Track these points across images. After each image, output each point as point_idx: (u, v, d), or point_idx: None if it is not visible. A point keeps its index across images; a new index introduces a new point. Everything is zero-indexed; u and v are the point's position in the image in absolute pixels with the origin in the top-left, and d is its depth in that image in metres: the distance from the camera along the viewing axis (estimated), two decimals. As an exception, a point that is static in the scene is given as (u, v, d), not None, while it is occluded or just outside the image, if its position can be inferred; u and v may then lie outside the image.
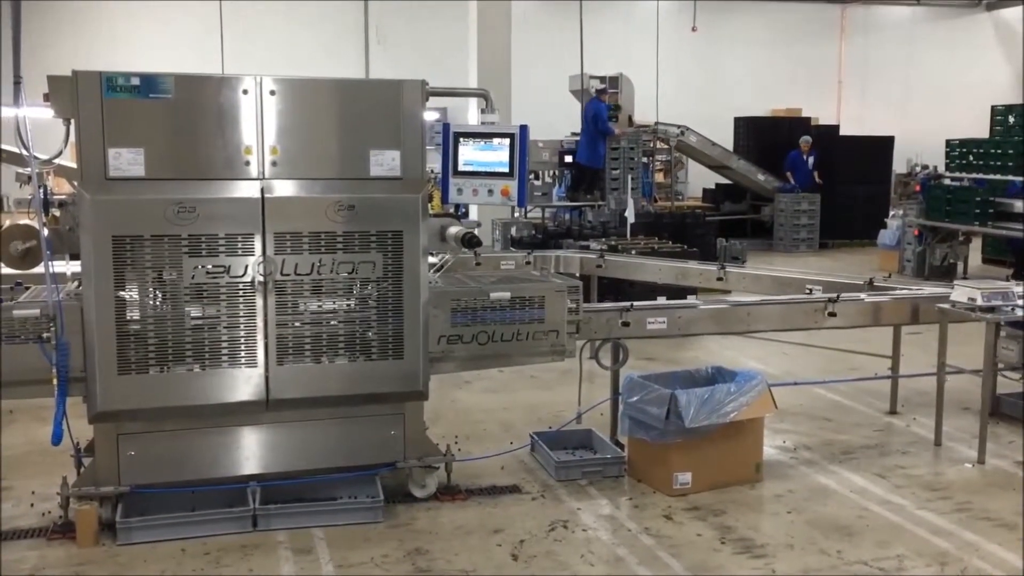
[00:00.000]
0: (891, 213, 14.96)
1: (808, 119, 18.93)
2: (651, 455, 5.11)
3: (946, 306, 5.83)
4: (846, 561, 4.28)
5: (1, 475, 5.02)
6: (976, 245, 13.66)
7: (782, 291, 6.68)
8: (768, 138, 17.52)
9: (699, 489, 5.00)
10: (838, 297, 5.85)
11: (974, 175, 12.75)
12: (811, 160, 16.80)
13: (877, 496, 5.06)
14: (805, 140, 16.91)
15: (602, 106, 14.39)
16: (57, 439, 4.27)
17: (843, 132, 18.41)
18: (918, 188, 14.05)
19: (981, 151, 12.87)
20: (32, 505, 4.79)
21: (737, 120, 18.51)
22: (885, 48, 22.99)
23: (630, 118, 15.47)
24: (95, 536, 4.35)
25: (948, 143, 13.54)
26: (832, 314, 5.79)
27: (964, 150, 13.21)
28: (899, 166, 17.94)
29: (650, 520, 4.71)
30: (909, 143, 18.03)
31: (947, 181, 13.30)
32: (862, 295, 6.15)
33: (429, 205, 4.75)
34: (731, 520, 4.71)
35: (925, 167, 15.95)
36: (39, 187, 4.30)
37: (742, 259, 13.00)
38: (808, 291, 6.25)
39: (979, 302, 5.66)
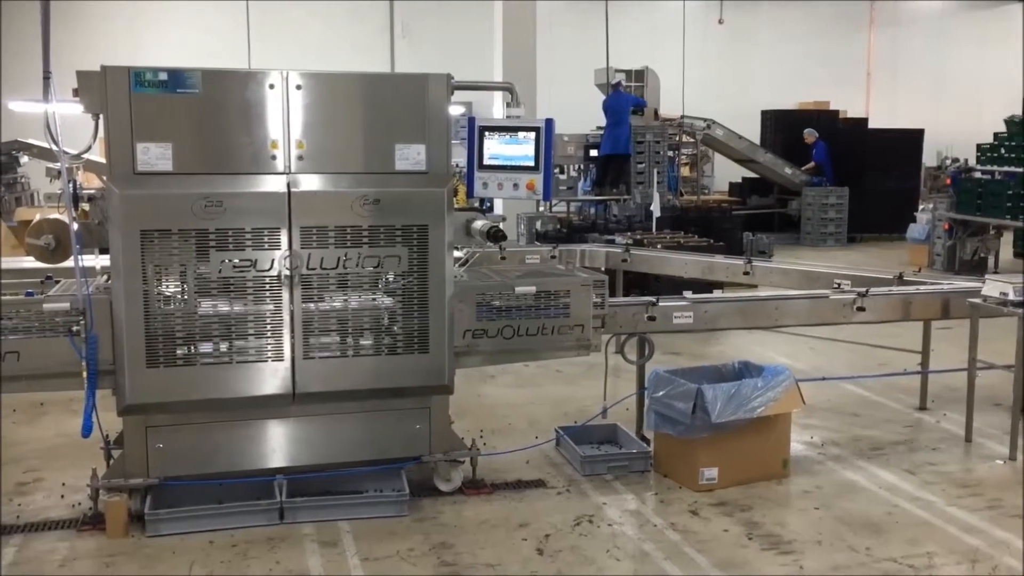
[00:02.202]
0: (921, 207, 14.81)
1: (836, 112, 18.78)
2: (677, 450, 5.08)
3: (977, 301, 5.76)
4: (875, 558, 4.24)
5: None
6: (1008, 239, 13.49)
7: (810, 286, 6.62)
8: (795, 132, 17.37)
9: (725, 485, 4.97)
10: (867, 292, 5.80)
11: (1005, 168, 12.58)
12: (815, 151, 16.68)
13: (906, 492, 5.01)
14: (808, 132, 16.78)
15: (626, 95, 14.39)
16: (87, 431, 4.32)
17: (872, 125, 18.23)
18: (948, 181, 13.90)
19: (1013, 144, 12.69)
20: (63, 497, 4.84)
21: (764, 113, 18.39)
22: (915, 40, 22.78)
23: (656, 112, 15.41)
24: (124, 528, 4.39)
25: (979, 147, 13.36)
26: (861, 309, 5.73)
27: (996, 143, 13.03)
28: (929, 159, 17.77)
29: (676, 515, 4.69)
30: (939, 136, 17.85)
31: (978, 174, 13.13)
32: (892, 290, 6.08)
33: (454, 199, 4.75)
34: (758, 516, 4.68)
35: (956, 160, 15.79)
36: (69, 182, 4.34)
37: (769, 253, 12.93)
38: (836, 285, 6.19)
39: (1011, 297, 5.58)
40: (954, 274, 11.80)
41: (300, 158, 4.45)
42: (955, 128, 18.76)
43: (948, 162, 16.45)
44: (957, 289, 6.11)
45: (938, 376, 6.56)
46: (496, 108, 14.02)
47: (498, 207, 13.02)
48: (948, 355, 6.63)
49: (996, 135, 13.11)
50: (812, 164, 16.64)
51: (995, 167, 12.81)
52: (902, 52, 22.82)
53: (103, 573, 4.06)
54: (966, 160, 14.99)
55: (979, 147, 13.43)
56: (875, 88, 22.87)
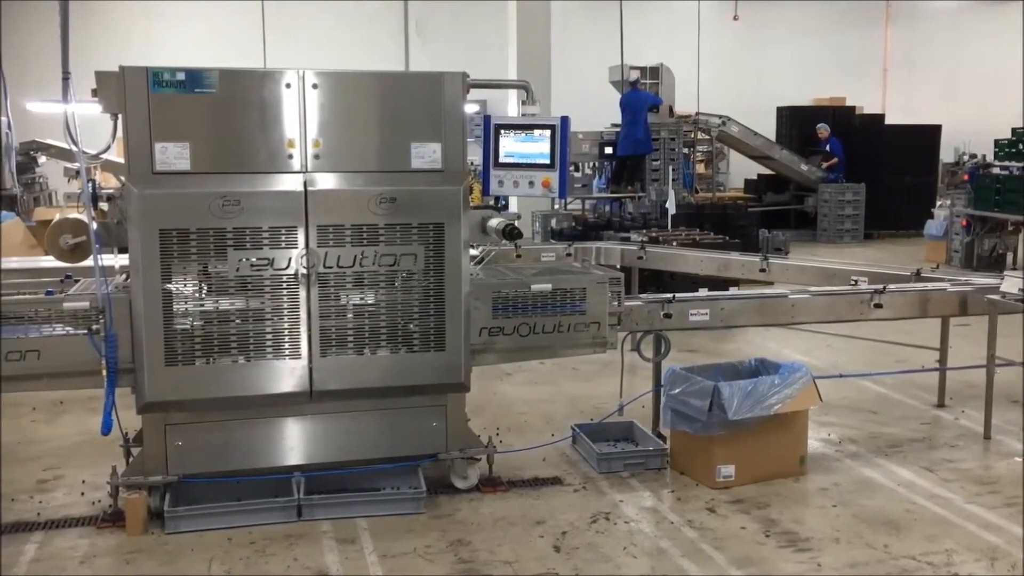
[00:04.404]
0: (938, 203, 14.71)
1: (852, 108, 18.67)
2: (694, 447, 5.07)
3: (996, 297, 5.73)
4: (893, 555, 4.22)
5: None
6: (1026, 235, 13.40)
7: (827, 282, 6.60)
8: (811, 128, 17.28)
9: (742, 482, 4.96)
10: (884, 288, 5.77)
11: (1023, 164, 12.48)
12: (827, 147, 16.60)
13: (925, 490, 4.99)
14: (821, 127, 16.71)
15: (644, 92, 14.37)
16: (107, 429, 4.36)
17: (889, 121, 18.12)
18: (966, 177, 13.80)
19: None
20: (83, 494, 4.88)
21: (780, 110, 18.30)
22: (931, 36, 22.62)
23: (671, 108, 15.37)
24: (144, 525, 4.42)
25: (997, 143, 13.25)
26: (878, 305, 5.71)
27: (1014, 138, 12.93)
28: (946, 155, 17.65)
29: (693, 513, 4.69)
30: (957, 132, 17.72)
31: (996, 170, 13.04)
32: (909, 286, 6.05)
33: (469, 197, 4.75)
34: (775, 513, 4.67)
35: (973, 156, 15.66)
36: (88, 181, 4.37)
37: (785, 250, 12.87)
38: (853, 282, 6.16)
39: (1030, 293, 5.55)
40: (972, 271, 11.72)
41: (316, 157, 4.47)
42: (972, 124, 18.59)
43: (966, 158, 16.27)
44: (975, 286, 6.08)
45: (956, 373, 6.51)
46: (511, 106, 14.01)
47: (513, 205, 13.03)
48: (966, 352, 6.59)
49: (1014, 130, 13.01)
50: (835, 159, 16.54)
51: (1013, 163, 12.71)
52: (919, 47, 22.66)
53: (123, 569, 4.09)
54: (984, 156, 14.87)
55: (997, 143, 13.33)
56: (891, 84, 22.73)
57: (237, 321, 4.43)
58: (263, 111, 4.40)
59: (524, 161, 4.91)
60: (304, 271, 4.45)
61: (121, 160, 4.52)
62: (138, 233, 4.27)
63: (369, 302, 4.58)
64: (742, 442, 4.95)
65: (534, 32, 13.81)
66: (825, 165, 16.58)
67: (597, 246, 8.40)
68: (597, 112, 15.64)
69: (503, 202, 13.19)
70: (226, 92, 4.35)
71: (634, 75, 14.43)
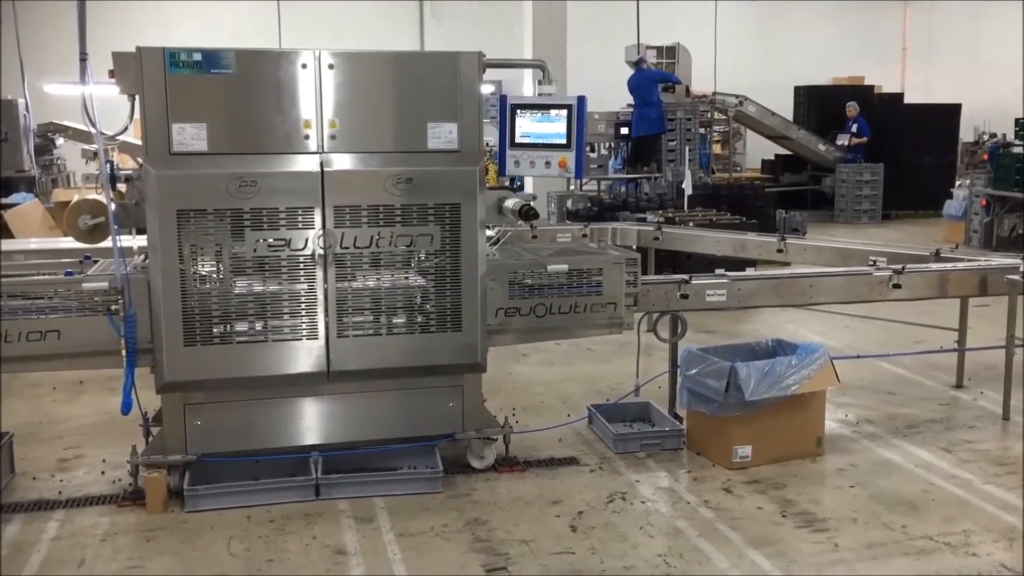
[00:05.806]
0: (957, 183, 14.59)
1: (871, 87, 18.48)
2: (710, 428, 5.07)
3: (1015, 277, 5.68)
4: (911, 536, 4.22)
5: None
6: (1047, 215, 13.26)
7: (844, 263, 6.56)
8: (829, 107, 17.14)
9: (759, 462, 4.96)
10: (903, 269, 5.73)
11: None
12: (855, 126, 16.48)
13: (942, 471, 4.97)
14: (850, 106, 16.56)
15: (650, 71, 14.24)
16: (126, 409, 4.39)
17: (908, 100, 17.94)
18: (986, 157, 13.67)
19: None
20: (103, 473, 4.93)
21: (797, 89, 18.14)
22: (951, 14, 22.31)
23: (687, 88, 15.26)
24: (164, 503, 4.46)
25: (1017, 122, 13.12)
26: (897, 286, 5.68)
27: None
28: (966, 134, 17.48)
29: (709, 493, 4.69)
30: (976, 111, 17.54)
31: (1017, 149, 12.90)
32: (928, 267, 6.01)
33: (485, 177, 4.74)
34: (792, 494, 4.67)
35: (993, 135, 15.51)
36: (106, 163, 4.39)
37: (802, 231, 12.79)
38: (872, 263, 6.12)
39: (1051, 273, 5.50)
40: (991, 251, 11.62)
41: (333, 137, 4.47)
42: (993, 103, 18.39)
43: (985, 137, 16.11)
44: (995, 266, 6.03)
45: (975, 354, 6.48)
46: (526, 86, 13.95)
47: (528, 186, 13.01)
48: (985, 333, 6.55)
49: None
50: (864, 139, 16.42)
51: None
52: (938, 25, 22.38)
53: (144, 547, 4.14)
54: (1004, 135, 14.72)
55: (1017, 121, 13.19)
56: (910, 62, 22.49)
57: (254, 302, 4.45)
58: (279, 92, 4.40)
59: (540, 141, 4.90)
60: (321, 252, 4.46)
61: (139, 141, 4.53)
62: (156, 214, 4.29)
63: (386, 283, 4.59)
64: (759, 423, 4.94)
65: (550, 12, 13.73)
66: (854, 142, 16.42)
67: (613, 227, 8.38)
68: (613, 92, 15.54)
69: (519, 183, 13.17)
70: (243, 72, 4.35)
71: (635, 55, 14.23)
